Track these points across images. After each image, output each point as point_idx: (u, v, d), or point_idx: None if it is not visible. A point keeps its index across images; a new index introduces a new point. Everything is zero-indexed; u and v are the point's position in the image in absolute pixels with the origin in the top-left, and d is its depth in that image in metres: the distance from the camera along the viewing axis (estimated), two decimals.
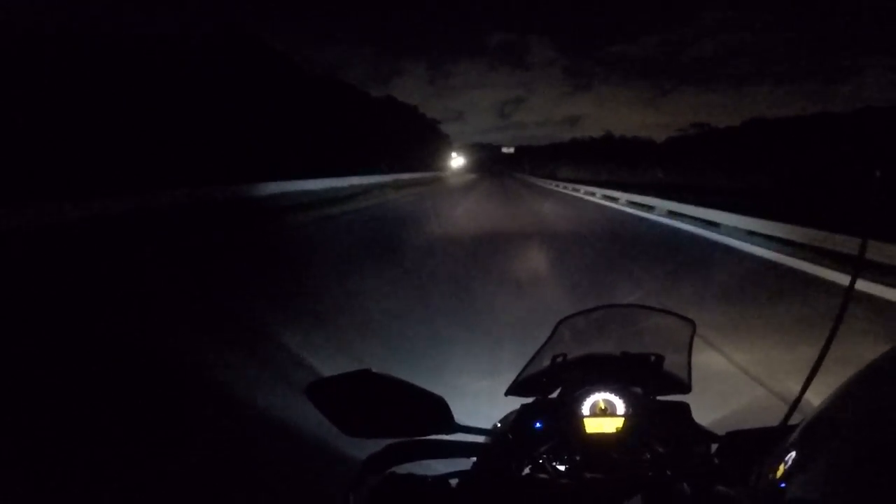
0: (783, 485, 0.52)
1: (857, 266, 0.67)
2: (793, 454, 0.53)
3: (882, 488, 0.42)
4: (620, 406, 0.89)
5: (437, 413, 0.82)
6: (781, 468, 0.53)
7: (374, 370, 0.80)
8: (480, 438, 0.90)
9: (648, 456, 0.85)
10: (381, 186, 28.69)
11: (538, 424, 0.90)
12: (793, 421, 0.76)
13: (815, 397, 0.62)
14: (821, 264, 7.68)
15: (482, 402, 2.63)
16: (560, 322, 0.97)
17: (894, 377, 0.54)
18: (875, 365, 0.56)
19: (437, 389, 0.82)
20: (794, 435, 0.57)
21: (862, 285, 5.92)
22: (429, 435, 0.84)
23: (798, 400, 0.68)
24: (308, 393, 0.80)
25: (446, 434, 0.84)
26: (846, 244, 7.81)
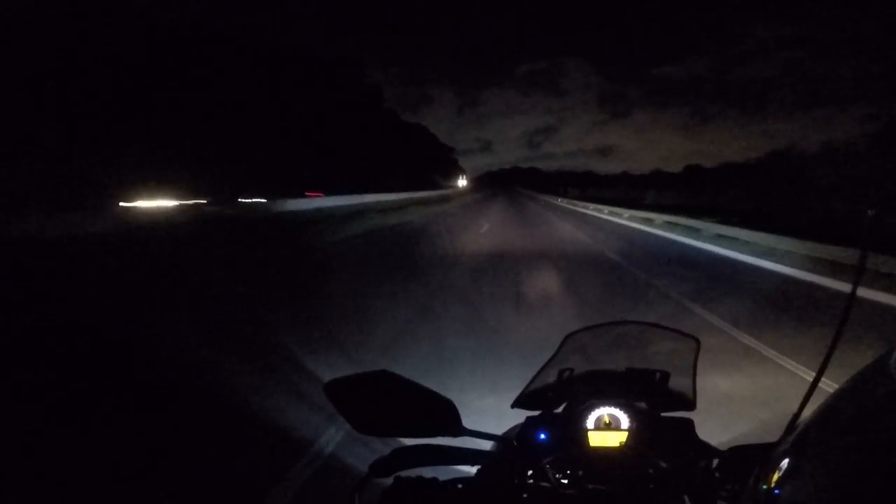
0: (777, 492, 0.52)
1: (856, 282, 0.69)
2: (786, 461, 0.54)
3: (874, 493, 0.43)
4: (625, 420, 0.90)
5: (447, 415, 0.83)
6: (776, 476, 0.54)
7: (389, 371, 0.82)
8: (486, 445, 0.92)
9: (651, 471, 0.86)
10: None
11: (543, 436, 0.92)
12: None
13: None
14: None
15: None
16: (567, 337, 0.99)
17: (882, 383, 0.55)
18: (864, 371, 0.57)
19: None
20: (788, 442, 0.58)
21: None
22: (437, 436, 0.86)
23: (798, 414, 0.69)
24: (326, 390, 0.83)
25: (454, 436, 0.85)
26: None
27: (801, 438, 0.57)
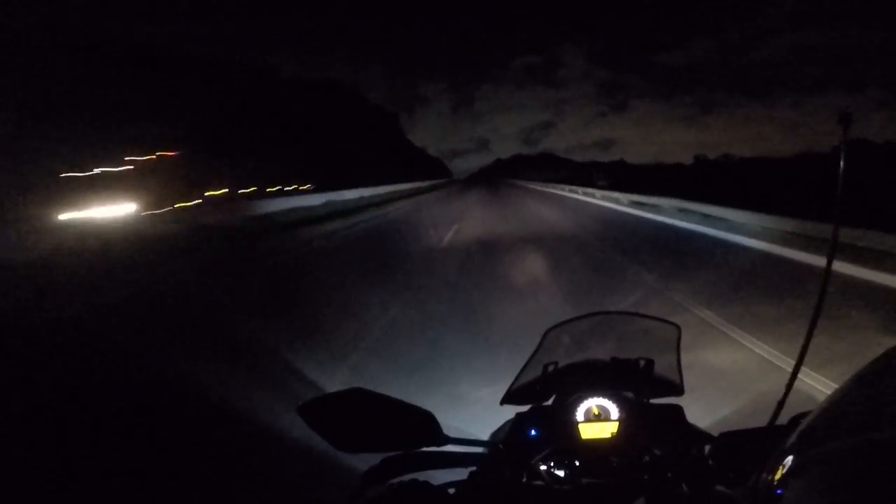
0: (779, 491, 0.51)
1: (830, 258, 0.69)
2: (790, 458, 0.52)
3: (880, 494, 0.41)
4: (614, 411, 0.90)
5: (427, 427, 0.83)
6: (779, 472, 0.52)
7: (362, 388, 0.81)
8: (477, 448, 0.91)
9: (646, 459, 0.85)
10: None
11: (533, 432, 0.91)
12: (781, 419, 0.77)
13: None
14: None
15: None
16: (548, 331, 0.99)
17: (890, 380, 0.53)
18: (872, 367, 0.55)
19: None
20: (792, 438, 0.56)
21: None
22: (420, 448, 0.85)
23: (783, 400, 0.69)
24: (301, 412, 0.82)
25: (437, 447, 0.85)
26: None
27: (806, 435, 0.55)
